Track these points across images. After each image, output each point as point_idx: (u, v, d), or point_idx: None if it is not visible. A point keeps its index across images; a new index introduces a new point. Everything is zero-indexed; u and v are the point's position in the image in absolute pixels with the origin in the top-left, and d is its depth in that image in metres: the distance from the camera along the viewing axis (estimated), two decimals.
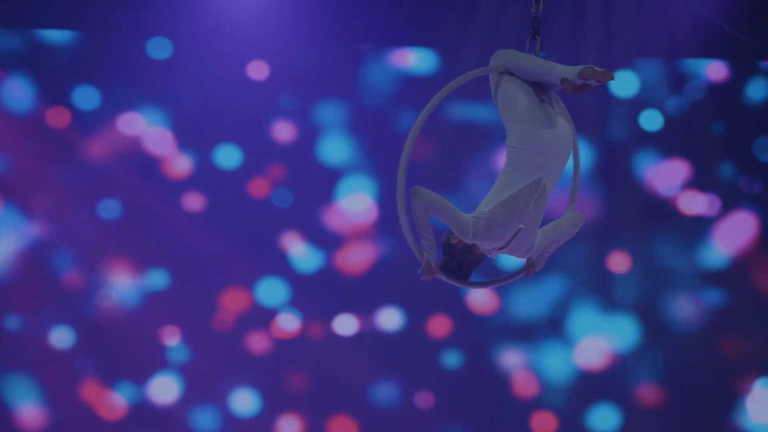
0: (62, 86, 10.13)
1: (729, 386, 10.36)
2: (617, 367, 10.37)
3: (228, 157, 10.29)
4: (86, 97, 10.14)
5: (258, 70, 10.26)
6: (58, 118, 10.12)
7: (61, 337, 10.06)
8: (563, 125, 5.50)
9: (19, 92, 9.90)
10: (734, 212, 10.45)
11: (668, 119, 10.45)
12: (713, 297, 10.44)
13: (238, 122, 10.28)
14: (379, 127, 10.33)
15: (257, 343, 10.21)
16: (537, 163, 5.44)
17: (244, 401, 10.19)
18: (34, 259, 10.10)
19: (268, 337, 10.22)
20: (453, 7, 10.13)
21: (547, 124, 5.46)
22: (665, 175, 10.47)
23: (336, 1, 10.07)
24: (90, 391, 10.07)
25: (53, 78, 10.11)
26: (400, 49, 10.32)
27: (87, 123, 10.14)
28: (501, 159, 10.22)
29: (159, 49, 10.16)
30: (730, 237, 10.44)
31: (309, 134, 10.32)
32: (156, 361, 10.13)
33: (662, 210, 10.45)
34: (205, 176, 10.26)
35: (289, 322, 10.24)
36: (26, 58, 10.07)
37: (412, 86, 10.32)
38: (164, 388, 10.13)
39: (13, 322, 10.06)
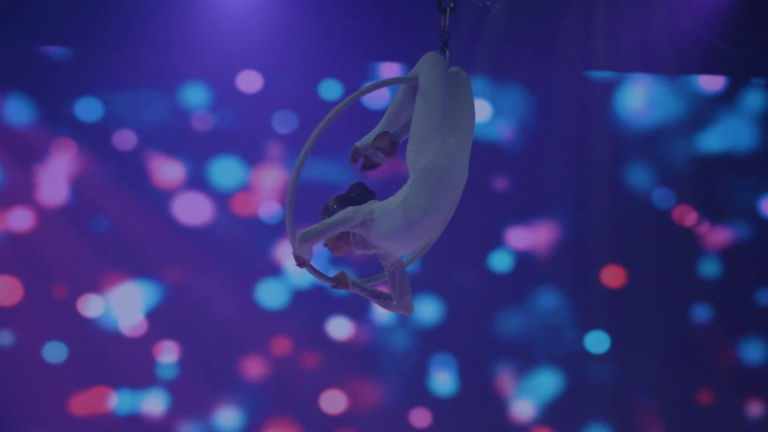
0: (57, 100, 10.15)
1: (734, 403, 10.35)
2: (613, 384, 10.35)
3: (222, 169, 10.32)
4: (80, 111, 10.16)
5: (250, 82, 10.29)
6: (53, 132, 10.15)
7: (52, 352, 10.09)
8: None
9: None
10: (728, 226, 10.43)
11: (662, 134, 10.44)
12: (705, 310, 10.43)
13: (232, 135, 10.30)
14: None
15: (252, 357, 10.22)
16: None
17: (233, 417, 10.21)
18: (27, 273, 10.14)
19: (263, 352, 10.23)
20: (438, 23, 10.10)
21: None
22: (660, 189, 10.45)
23: (332, 17, 10.09)
24: (81, 404, 10.09)
25: (47, 92, 10.13)
26: (392, 64, 10.34)
27: (80, 137, 10.17)
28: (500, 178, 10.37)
29: (152, 63, 10.19)
30: (723, 250, 10.44)
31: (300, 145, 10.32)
32: (148, 375, 10.16)
33: (657, 224, 10.43)
34: (199, 190, 10.28)
35: (283, 336, 10.24)
36: (22, 73, 10.11)
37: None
38: (155, 403, 10.16)
39: (6, 338, 10.12)
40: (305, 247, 5.40)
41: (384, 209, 5.41)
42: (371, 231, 5.43)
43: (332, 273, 5.64)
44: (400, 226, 5.40)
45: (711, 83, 10.43)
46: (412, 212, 5.38)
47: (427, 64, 5.53)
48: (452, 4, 5.67)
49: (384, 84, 5.54)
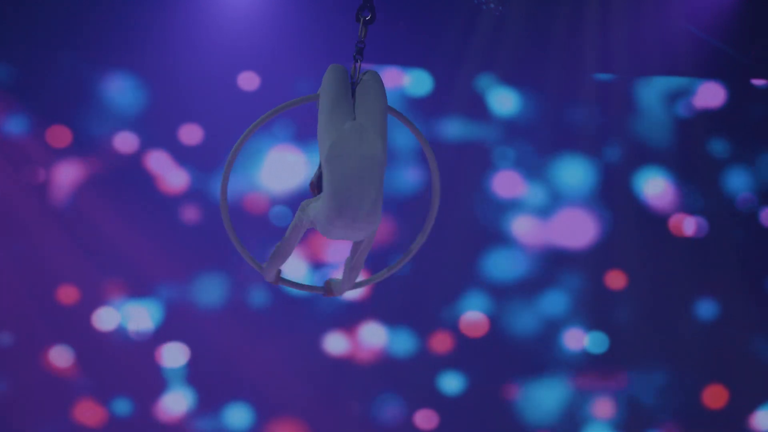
0: (59, 104, 10.11)
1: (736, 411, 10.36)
2: (616, 387, 10.36)
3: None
4: (82, 116, 10.13)
5: (249, 81, 10.28)
6: (56, 137, 10.11)
7: (57, 356, 10.04)
8: None
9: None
10: (727, 232, 10.46)
11: (664, 138, 10.45)
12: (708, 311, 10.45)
13: (230, 134, 10.29)
14: None
15: (257, 357, 10.20)
16: None
17: (241, 416, 10.18)
18: (29, 276, 10.09)
19: (268, 352, 10.20)
20: (447, 27, 10.13)
21: None
22: (661, 195, 10.46)
23: (328, 19, 10.08)
24: (86, 411, 10.04)
25: (50, 96, 10.10)
26: (392, 68, 10.35)
27: (84, 142, 10.14)
28: (499, 178, 10.41)
29: (153, 64, 10.18)
30: (724, 257, 10.46)
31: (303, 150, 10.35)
32: (154, 379, 10.12)
33: (658, 230, 10.44)
34: (201, 192, 10.26)
35: (287, 338, 10.22)
36: (24, 78, 10.07)
37: (406, 105, 10.33)
38: (161, 406, 10.14)
39: (6, 340, 10.06)
40: (271, 270, 5.83)
41: (317, 201, 5.66)
42: (318, 224, 5.63)
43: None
44: (321, 215, 5.59)
45: (714, 87, 10.46)
46: (326, 201, 5.57)
47: (324, 78, 5.81)
48: (369, 16, 5.76)
49: (291, 105, 5.81)
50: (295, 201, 10.24)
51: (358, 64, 5.75)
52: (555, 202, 10.43)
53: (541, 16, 10.06)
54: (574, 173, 10.43)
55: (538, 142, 10.39)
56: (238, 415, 10.19)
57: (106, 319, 10.11)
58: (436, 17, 10.11)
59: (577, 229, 10.40)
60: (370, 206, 5.52)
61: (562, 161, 10.41)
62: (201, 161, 10.26)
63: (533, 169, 10.40)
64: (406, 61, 10.31)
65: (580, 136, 10.43)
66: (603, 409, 10.36)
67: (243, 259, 9.97)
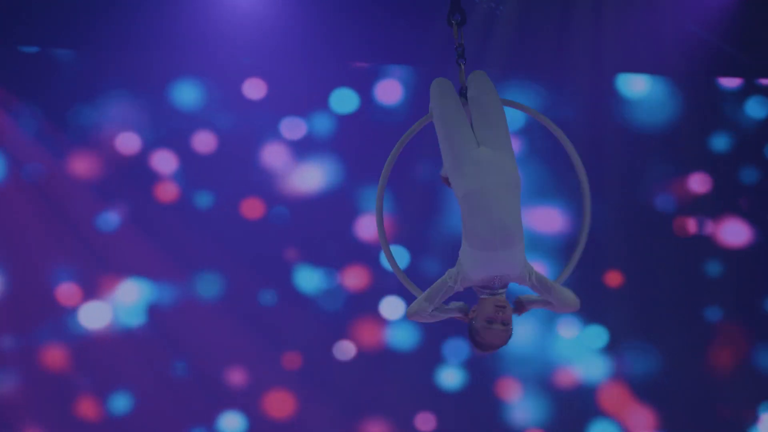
0: (61, 104, 10.14)
1: (728, 412, 10.38)
2: (616, 383, 10.40)
3: (229, 173, 10.34)
4: (84, 116, 10.17)
5: (255, 89, 10.30)
6: (56, 135, 10.14)
7: (55, 356, 10.07)
8: None
9: None
10: (728, 229, 10.48)
11: (664, 137, 10.48)
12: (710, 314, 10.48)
13: (235, 138, 10.31)
14: (377, 146, 10.34)
15: (256, 360, 10.23)
16: None
17: (234, 423, 10.21)
18: (28, 276, 10.12)
19: (267, 354, 10.23)
20: (441, 25, 10.14)
21: None
22: (661, 193, 10.49)
23: (331, 19, 10.10)
24: (85, 409, 10.08)
25: (53, 95, 10.12)
26: (397, 67, 10.36)
27: (84, 141, 10.16)
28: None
29: (157, 67, 10.19)
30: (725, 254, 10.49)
31: (306, 153, 10.36)
32: (154, 379, 10.15)
33: (658, 228, 10.46)
34: (205, 193, 10.31)
35: (287, 340, 10.25)
36: (27, 75, 10.09)
37: (411, 105, 10.35)
38: (161, 407, 10.17)
39: (6, 341, 10.09)
40: (415, 318, 5.52)
41: (462, 254, 5.39)
42: (467, 277, 5.42)
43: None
44: (471, 257, 5.37)
45: (715, 86, 10.47)
46: (474, 240, 5.34)
47: (431, 95, 5.52)
48: (459, 19, 5.64)
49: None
50: (294, 201, 10.28)
51: (461, 69, 5.57)
52: (551, 198, 10.47)
53: (535, 14, 10.07)
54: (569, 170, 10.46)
55: (533, 138, 10.41)
56: (233, 418, 10.24)
57: (105, 316, 10.15)
58: (431, 15, 10.12)
59: (574, 227, 10.43)
60: (511, 228, 5.34)
61: (558, 157, 10.44)
62: (201, 164, 10.32)
63: (525, 164, 10.43)
64: (399, 59, 10.32)
65: (577, 132, 10.45)
66: (602, 405, 10.41)
67: (242, 259, 10.11)
